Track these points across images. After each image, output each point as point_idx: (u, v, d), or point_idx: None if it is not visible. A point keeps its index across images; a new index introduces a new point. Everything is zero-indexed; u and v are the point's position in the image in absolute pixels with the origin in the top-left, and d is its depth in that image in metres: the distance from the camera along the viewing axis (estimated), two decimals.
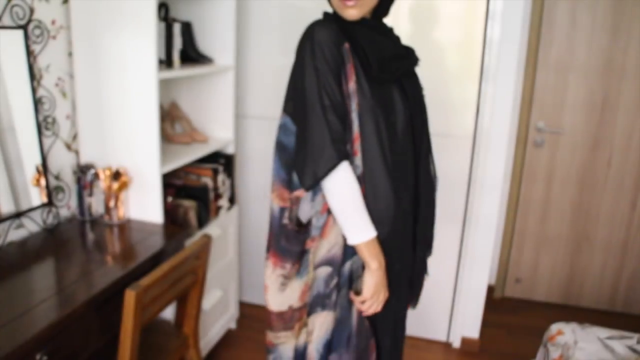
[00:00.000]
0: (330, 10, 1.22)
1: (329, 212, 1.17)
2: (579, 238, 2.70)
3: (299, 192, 1.18)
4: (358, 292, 1.20)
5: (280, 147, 1.22)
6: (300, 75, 1.11)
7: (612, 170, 2.57)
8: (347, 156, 1.11)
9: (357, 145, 1.13)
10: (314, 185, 1.11)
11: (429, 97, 2.07)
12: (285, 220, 1.20)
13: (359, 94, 1.13)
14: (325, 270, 1.20)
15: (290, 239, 1.20)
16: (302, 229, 1.19)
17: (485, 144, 2.14)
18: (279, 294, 1.22)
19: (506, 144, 2.13)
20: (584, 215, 2.66)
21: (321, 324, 1.22)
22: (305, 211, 1.19)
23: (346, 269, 1.21)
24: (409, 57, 1.27)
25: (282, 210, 1.21)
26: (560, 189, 2.65)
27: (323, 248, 1.19)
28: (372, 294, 1.17)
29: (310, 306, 1.23)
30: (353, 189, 1.12)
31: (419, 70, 1.32)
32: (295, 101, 1.15)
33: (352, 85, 1.13)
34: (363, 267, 1.20)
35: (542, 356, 1.74)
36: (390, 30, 1.27)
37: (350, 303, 1.22)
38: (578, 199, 2.65)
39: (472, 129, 2.14)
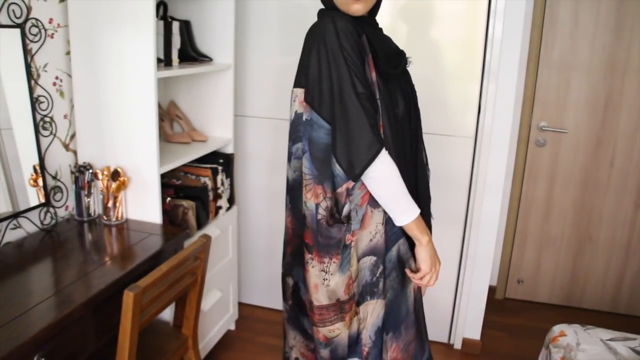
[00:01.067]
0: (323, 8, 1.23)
1: (368, 203, 1.19)
2: (581, 238, 2.68)
3: (348, 184, 1.18)
4: (414, 271, 1.27)
5: (310, 143, 1.20)
6: (326, 65, 1.11)
7: (615, 170, 2.56)
8: (383, 142, 1.13)
9: (382, 132, 1.16)
10: (361, 174, 1.11)
11: (431, 96, 2.08)
12: (319, 216, 1.20)
13: (377, 84, 1.16)
14: (369, 260, 1.24)
15: (323, 235, 1.20)
16: (335, 223, 1.20)
17: (487, 144, 2.12)
18: (325, 289, 1.22)
19: (508, 143, 2.12)
20: (586, 215, 2.64)
21: (372, 311, 1.26)
22: (345, 206, 1.20)
23: (393, 254, 1.25)
24: (404, 55, 1.30)
25: (317, 206, 1.21)
26: (562, 189, 2.64)
27: (365, 239, 1.22)
28: (430, 267, 1.23)
29: (360, 295, 1.26)
30: (395, 172, 1.14)
31: (421, 68, 1.33)
32: (323, 93, 1.13)
33: (373, 74, 1.15)
34: (411, 248, 1.26)
35: (544, 358, 1.73)
36: (381, 29, 1.32)
37: (401, 284, 1.29)
38: (580, 199, 2.63)
39: (474, 128, 2.12)
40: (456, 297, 2.34)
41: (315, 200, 1.20)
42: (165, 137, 2.09)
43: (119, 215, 1.75)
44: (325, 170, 1.18)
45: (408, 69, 1.32)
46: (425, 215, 1.30)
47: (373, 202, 1.19)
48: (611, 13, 2.37)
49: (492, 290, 2.79)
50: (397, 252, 1.26)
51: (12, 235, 1.57)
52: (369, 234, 1.22)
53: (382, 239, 1.22)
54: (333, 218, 1.20)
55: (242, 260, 2.59)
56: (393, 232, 1.23)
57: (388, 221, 1.22)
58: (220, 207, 2.08)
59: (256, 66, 2.30)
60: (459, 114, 2.12)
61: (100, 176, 1.72)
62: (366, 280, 1.24)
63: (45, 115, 1.66)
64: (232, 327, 2.43)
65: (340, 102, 1.10)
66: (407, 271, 1.27)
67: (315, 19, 1.21)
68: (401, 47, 1.34)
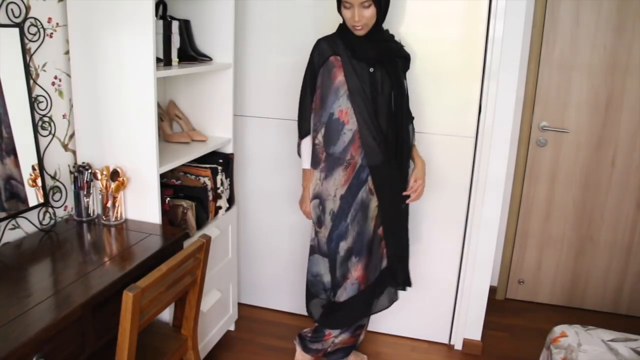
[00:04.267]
0: None
1: (310, 165, 1.91)
2: (582, 239, 2.68)
3: None
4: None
5: None
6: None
7: (617, 170, 2.55)
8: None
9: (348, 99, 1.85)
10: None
11: (432, 96, 2.09)
12: None
13: (346, 76, 1.83)
14: (315, 202, 1.89)
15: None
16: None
17: (487, 144, 2.11)
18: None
19: (509, 143, 2.11)
20: (587, 215, 2.64)
21: (323, 234, 1.89)
22: None
23: (358, 199, 1.83)
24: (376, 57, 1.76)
25: None
26: (563, 189, 2.63)
27: (311, 187, 1.90)
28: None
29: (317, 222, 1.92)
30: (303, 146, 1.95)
31: (422, 68, 1.33)
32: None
33: (341, 73, 1.81)
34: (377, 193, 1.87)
35: (545, 358, 1.73)
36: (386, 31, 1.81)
37: (364, 221, 1.86)
38: (582, 200, 2.63)
39: (475, 128, 2.12)
40: (457, 298, 2.34)
41: None
42: (164, 137, 2.09)
43: (118, 216, 1.74)
44: None
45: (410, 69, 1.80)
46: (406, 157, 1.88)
47: (314, 165, 1.84)
48: (612, 13, 2.36)
49: (492, 290, 2.77)
50: (361, 198, 1.81)
51: (10, 236, 1.56)
52: (314, 185, 1.86)
53: (323, 188, 1.83)
54: None
55: (242, 260, 2.58)
56: (358, 180, 1.79)
57: (327, 178, 1.81)
58: (219, 207, 2.08)
59: (256, 66, 2.30)
60: (459, 113, 2.11)
61: (99, 176, 1.71)
62: (316, 213, 1.88)
63: (44, 115, 1.66)
64: (232, 327, 2.42)
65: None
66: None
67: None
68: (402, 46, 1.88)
